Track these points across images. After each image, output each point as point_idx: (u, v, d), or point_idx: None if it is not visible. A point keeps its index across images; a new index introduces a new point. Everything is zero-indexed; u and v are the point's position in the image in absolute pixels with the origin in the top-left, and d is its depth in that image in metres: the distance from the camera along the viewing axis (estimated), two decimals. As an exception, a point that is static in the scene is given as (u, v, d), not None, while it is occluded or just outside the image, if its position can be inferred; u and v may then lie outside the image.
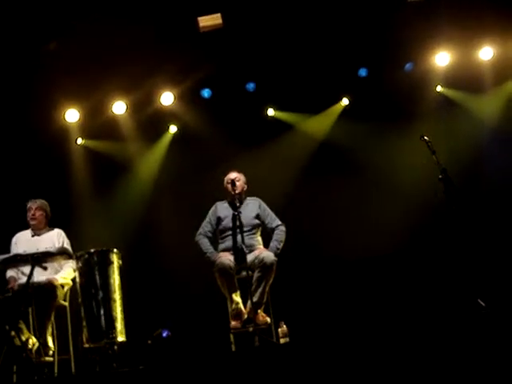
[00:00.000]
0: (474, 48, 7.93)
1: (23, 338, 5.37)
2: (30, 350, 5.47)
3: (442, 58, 7.92)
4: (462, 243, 5.68)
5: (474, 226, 6.73)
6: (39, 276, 5.62)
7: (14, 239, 6.07)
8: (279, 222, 6.15)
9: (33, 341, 5.54)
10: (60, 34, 7.02)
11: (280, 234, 6.07)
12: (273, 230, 6.12)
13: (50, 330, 5.66)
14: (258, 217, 6.14)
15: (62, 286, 5.84)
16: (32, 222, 6.07)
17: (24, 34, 6.87)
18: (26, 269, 5.69)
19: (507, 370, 3.77)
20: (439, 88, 8.14)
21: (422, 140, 5.77)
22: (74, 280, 5.84)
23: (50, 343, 5.63)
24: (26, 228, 6.13)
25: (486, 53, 7.91)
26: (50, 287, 5.65)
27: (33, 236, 6.07)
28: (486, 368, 3.83)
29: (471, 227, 6.07)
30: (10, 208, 7.16)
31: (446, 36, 7.69)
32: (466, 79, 8.00)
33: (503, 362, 3.82)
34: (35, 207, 6.08)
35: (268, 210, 6.23)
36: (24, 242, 5.98)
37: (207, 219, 6.22)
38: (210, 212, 6.25)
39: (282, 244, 6.02)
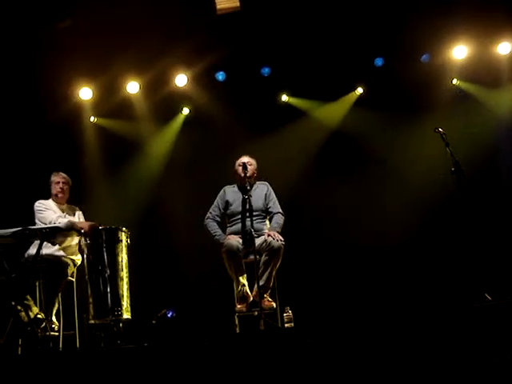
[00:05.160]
0: (492, 42, 7.86)
1: (31, 315, 5.40)
2: (38, 324, 5.50)
3: (459, 51, 7.86)
4: (471, 236, 5.67)
5: (485, 220, 6.73)
6: (48, 250, 5.67)
7: (42, 205, 5.99)
8: (280, 210, 6.15)
9: (42, 316, 5.58)
10: (75, 12, 7.00)
11: (280, 218, 6.08)
12: (272, 214, 6.13)
13: (56, 305, 5.71)
14: (265, 200, 6.15)
15: (74, 263, 5.88)
16: (60, 195, 6.11)
17: (39, 10, 6.87)
18: None
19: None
20: (455, 81, 8.09)
21: (436, 132, 5.78)
22: (82, 257, 5.86)
23: (54, 318, 5.69)
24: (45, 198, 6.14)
25: (504, 48, 7.84)
26: (60, 264, 5.71)
27: (60, 208, 6.09)
28: (491, 360, 3.84)
29: (482, 221, 6.07)
30: (22, 183, 7.25)
31: (464, 29, 7.63)
32: (482, 73, 7.94)
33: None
34: (63, 181, 6.13)
35: (273, 196, 6.22)
36: (56, 211, 6.01)
37: (215, 203, 6.23)
38: (219, 196, 6.26)
39: (281, 228, 6.01)
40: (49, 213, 5.92)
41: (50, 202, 6.09)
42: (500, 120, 7.88)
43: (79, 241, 5.87)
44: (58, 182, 6.11)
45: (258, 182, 6.28)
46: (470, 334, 4.07)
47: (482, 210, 6.80)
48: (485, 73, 7.94)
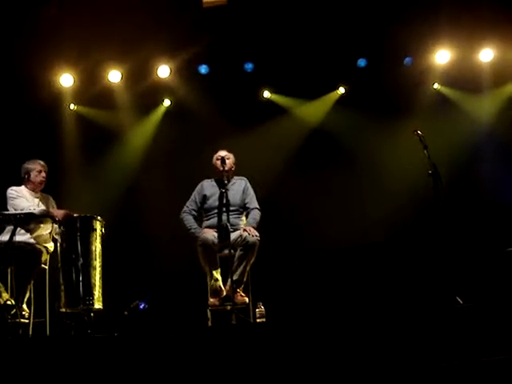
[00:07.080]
0: (475, 49, 7.91)
1: (1, 301, 5.36)
2: (9, 310, 5.45)
3: (441, 56, 7.91)
4: (446, 239, 5.71)
5: (459, 223, 6.80)
6: (21, 237, 5.61)
7: (15, 192, 5.86)
8: (257, 206, 6.14)
9: (12, 302, 5.52)
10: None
11: (256, 214, 6.07)
12: (249, 210, 6.12)
13: (27, 293, 5.66)
14: (243, 195, 6.14)
15: (47, 250, 5.82)
16: (42, 185, 6.00)
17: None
18: None
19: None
20: (436, 85, 8.15)
21: (415, 134, 5.80)
22: (55, 244, 5.81)
23: (25, 305, 5.64)
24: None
25: (486, 54, 7.91)
26: (34, 252, 5.65)
27: (35, 197, 5.99)
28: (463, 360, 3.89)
29: (456, 224, 6.11)
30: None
31: (448, 35, 7.68)
32: (464, 79, 8.00)
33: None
34: (45, 169, 6.03)
35: (251, 191, 6.22)
36: (29, 199, 5.90)
37: (192, 197, 6.20)
38: (196, 190, 6.23)
39: (257, 224, 6.00)
40: (21, 200, 5.80)
41: (23, 190, 5.97)
42: (480, 126, 7.95)
43: (51, 230, 5.82)
44: (40, 171, 5.99)
45: (236, 177, 6.26)
46: (444, 335, 4.12)
47: (457, 213, 6.91)
48: (466, 78, 8.00)
